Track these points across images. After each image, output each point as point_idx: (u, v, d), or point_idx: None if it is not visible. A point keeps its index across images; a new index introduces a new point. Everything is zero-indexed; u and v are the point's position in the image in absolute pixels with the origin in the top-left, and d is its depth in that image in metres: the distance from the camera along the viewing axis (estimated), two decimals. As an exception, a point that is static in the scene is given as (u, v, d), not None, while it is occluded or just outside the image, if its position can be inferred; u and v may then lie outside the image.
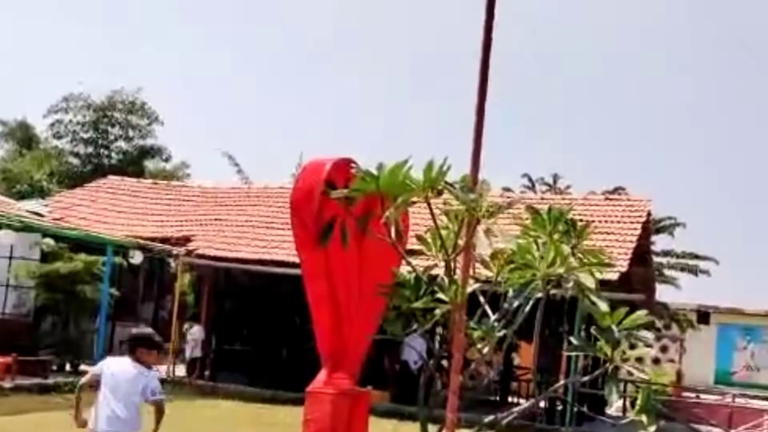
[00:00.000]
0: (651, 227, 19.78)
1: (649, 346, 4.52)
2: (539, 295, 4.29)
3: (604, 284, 4.39)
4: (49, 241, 17.95)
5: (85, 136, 32.70)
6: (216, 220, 21.14)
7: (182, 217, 21.84)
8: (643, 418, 3.84)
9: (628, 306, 4.07)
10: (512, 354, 19.97)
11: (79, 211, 22.37)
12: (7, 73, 43.13)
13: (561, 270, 4.05)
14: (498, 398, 19.01)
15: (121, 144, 33.30)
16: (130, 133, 33.19)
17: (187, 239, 20.16)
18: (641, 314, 3.96)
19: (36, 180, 30.11)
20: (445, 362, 5.11)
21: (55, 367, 16.89)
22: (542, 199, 20.40)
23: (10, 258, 18.59)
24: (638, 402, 3.88)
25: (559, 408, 16.84)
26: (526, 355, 21.03)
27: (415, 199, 4.28)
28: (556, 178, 29.17)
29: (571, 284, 4.09)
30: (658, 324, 23.84)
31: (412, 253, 4.88)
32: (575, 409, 15.85)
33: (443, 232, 4.50)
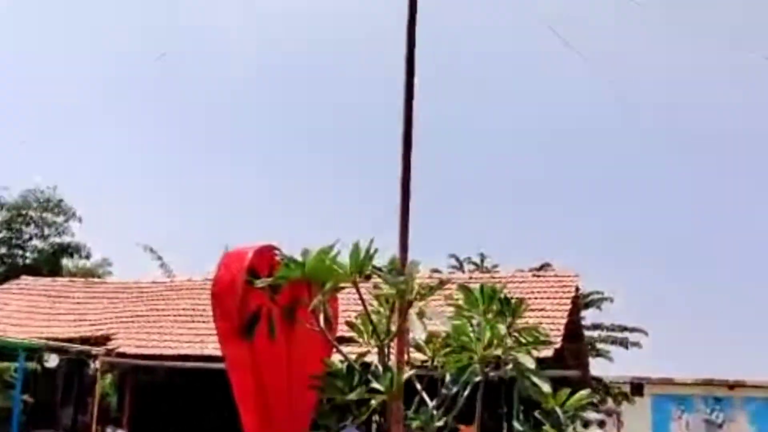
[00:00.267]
0: (580, 302, 19.98)
1: (601, 424, 4.36)
2: (478, 378, 4.11)
3: (539, 362, 4.25)
4: (-42, 348, 16.93)
5: (-2, 236, 31.55)
6: (137, 316, 20.40)
7: (101, 314, 21.00)
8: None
9: (563, 383, 3.93)
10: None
11: (-9, 315, 21.27)
12: None
13: (498, 351, 3.90)
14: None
15: (36, 243, 32.22)
16: (46, 231, 32.16)
17: (107, 338, 19.37)
18: (585, 394, 3.81)
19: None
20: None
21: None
22: (471, 278, 20.44)
23: None
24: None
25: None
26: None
27: (343, 284, 4.11)
28: (483, 257, 29.39)
29: (510, 366, 3.93)
30: (594, 399, 23.89)
31: (344, 340, 4.67)
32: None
33: (374, 317, 4.31)
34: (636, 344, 24.92)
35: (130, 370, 19.00)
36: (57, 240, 32.39)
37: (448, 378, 4.20)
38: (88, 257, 33.30)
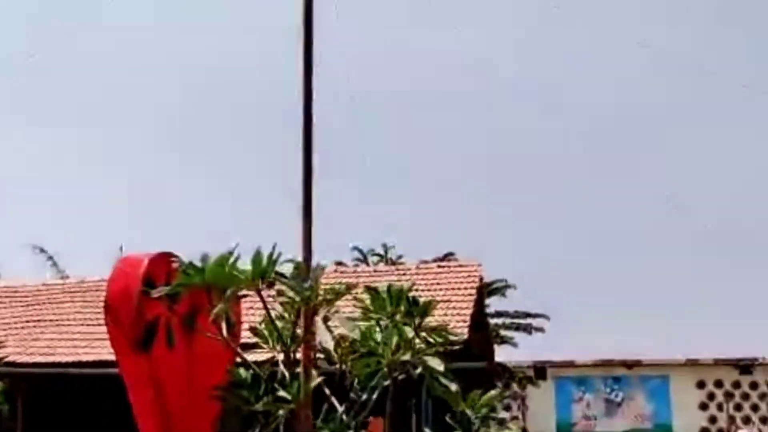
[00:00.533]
0: (484, 291, 20.26)
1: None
2: (387, 383, 4.01)
3: (446, 355, 4.20)
4: None
5: None
6: (27, 322, 19.44)
7: (-12, 322, 19.89)
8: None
9: (470, 373, 3.90)
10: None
11: None
12: None
13: (407, 356, 3.81)
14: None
15: None
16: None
17: (-5, 346, 18.36)
18: (495, 394, 3.78)
19: None
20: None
21: None
22: (375, 271, 20.42)
23: None
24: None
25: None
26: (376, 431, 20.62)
27: (246, 291, 3.93)
28: (386, 248, 29.39)
29: (419, 369, 3.85)
30: (499, 385, 24.34)
31: (248, 347, 4.49)
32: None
33: (279, 323, 4.15)
34: (540, 329, 25.52)
35: (21, 377, 18.10)
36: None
37: (356, 383, 4.09)
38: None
